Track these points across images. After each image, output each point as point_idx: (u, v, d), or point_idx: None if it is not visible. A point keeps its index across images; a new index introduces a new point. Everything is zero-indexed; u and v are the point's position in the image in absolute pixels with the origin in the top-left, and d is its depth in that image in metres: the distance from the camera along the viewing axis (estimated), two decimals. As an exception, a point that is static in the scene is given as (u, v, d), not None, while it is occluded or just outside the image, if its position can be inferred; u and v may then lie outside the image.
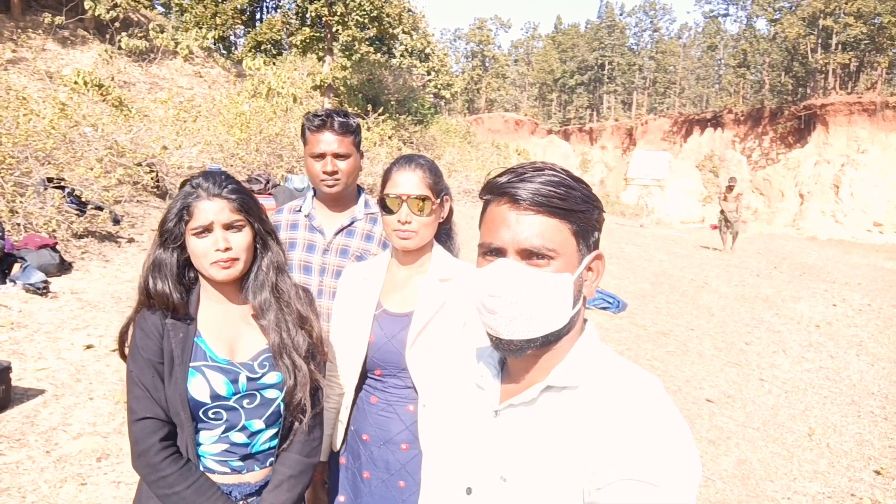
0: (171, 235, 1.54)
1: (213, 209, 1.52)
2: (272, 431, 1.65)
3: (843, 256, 16.56)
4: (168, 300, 1.54)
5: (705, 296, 9.42)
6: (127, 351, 1.58)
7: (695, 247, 15.90)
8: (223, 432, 1.59)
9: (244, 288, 1.63)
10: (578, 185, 1.01)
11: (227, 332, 1.62)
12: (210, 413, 1.56)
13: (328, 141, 2.23)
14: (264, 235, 1.63)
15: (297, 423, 1.65)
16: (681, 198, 44.38)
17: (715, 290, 9.94)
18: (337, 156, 2.24)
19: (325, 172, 2.23)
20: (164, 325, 1.56)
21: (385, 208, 1.81)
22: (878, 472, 4.32)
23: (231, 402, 1.57)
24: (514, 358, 1.05)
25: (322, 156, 2.24)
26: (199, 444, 1.59)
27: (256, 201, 1.64)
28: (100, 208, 7.58)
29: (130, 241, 7.72)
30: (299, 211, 2.39)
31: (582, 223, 1.00)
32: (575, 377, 1.01)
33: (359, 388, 1.91)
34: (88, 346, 4.88)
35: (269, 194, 8.64)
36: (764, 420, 5.07)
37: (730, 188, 15.40)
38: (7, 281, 5.74)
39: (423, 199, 1.78)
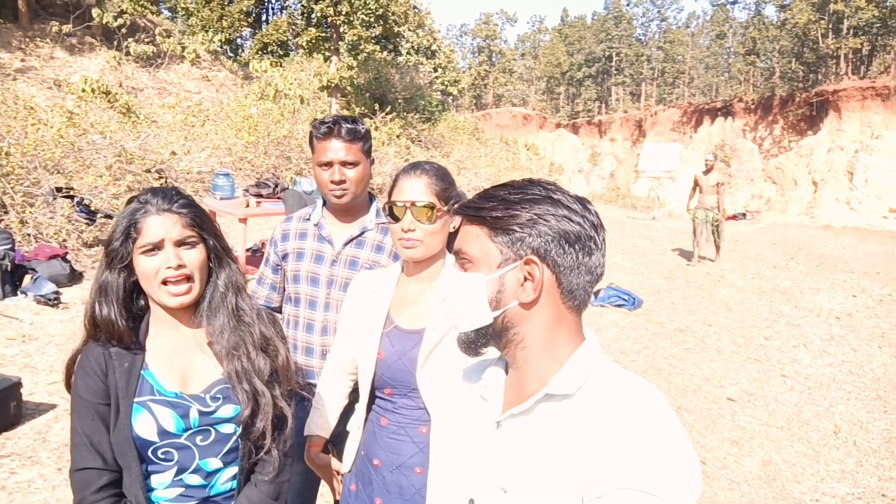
0: (118, 256, 1.40)
1: (163, 225, 1.39)
2: (231, 471, 1.51)
3: (860, 244, 16.29)
4: (113, 327, 1.41)
5: (722, 290, 9.27)
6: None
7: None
8: (176, 475, 1.45)
9: (199, 312, 1.48)
10: (514, 194, 1.05)
11: (179, 361, 1.48)
12: (160, 453, 1.42)
13: (335, 149, 2.14)
14: (220, 252, 1.49)
15: (261, 461, 1.51)
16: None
17: (731, 283, 9.79)
18: (345, 164, 2.14)
19: (332, 182, 2.14)
20: (107, 359, 1.42)
21: (391, 216, 1.73)
22: (908, 471, 4.20)
23: (182, 440, 1.43)
24: (471, 355, 1.13)
25: (329, 164, 2.14)
26: (151, 490, 1.45)
27: (209, 217, 1.52)
28: (110, 216, 7.56)
29: (141, 248, 7.70)
30: (308, 220, 2.31)
31: (500, 228, 1.03)
32: (572, 385, 1.01)
33: (368, 409, 1.83)
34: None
35: (278, 198, 8.59)
36: (787, 418, 4.96)
37: (707, 169, 11.40)
38: (18, 293, 5.73)
39: (429, 206, 1.69)
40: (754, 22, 60.49)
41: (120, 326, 1.41)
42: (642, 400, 0.97)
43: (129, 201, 1.45)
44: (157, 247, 1.39)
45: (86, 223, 7.24)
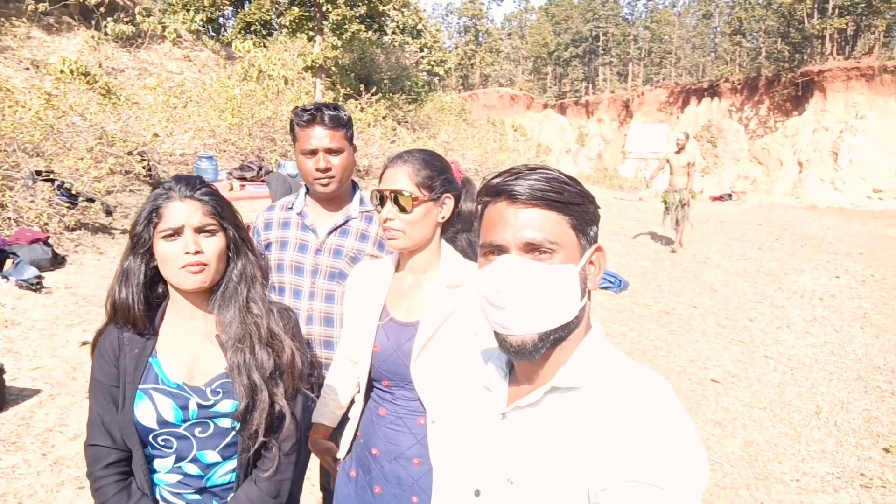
0: (140, 240, 1.44)
1: (184, 211, 1.43)
2: (230, 465, 1.53)
3: (844, 225, 16.45)
4: (129, 312, 1.45)
5: (707, 271, 9.35)
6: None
7: (695, 220, 15.63)
8: (175, 462, 1.49)
9: (212, 300, 1.51)
10: (572, 181, 1.03)
11: (187, 351, 1.51)
12: (160, 440, 1.47)
13: (319, 136, 2.10)
14: (238, 243, 1.51)
15: (262, 458, 1.54)
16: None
17: (716, 265, 9.87)
18: (329, 151, 2.11)
19: (318, 170, 2.11)
20: (121, 343, 1.47)
21: (380, 204, 1.71)
22: (886, 451, 4.28)
23: (181, 430, 1.47)
24: (527, 361, 1.04)
25: (314, 152, 2.11)
26: (154, 472, 1.51)
27: (232, 207, 1.53)
28: (91, 200, 7.46)
29: (124, 231, 7.61)
30: (291, 208, 2.28)
31: (579, 216, 1.02)
32: (580, 378, 1.01)
33: (367, 398, 1.82)
34: (84, 343, 4.80)
35: (262, 181, 8.52)
36: (770, 399, 5.03)
37: (679, 149, 10.63)
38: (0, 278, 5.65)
39: (407, 195, 1.66)
40: (740, 1, 60.34)
41: (136, 311, 1.46)
42: (649, 391, 0.97)
43: (154, 187, 1.50)
44: (177, 232, 1.42)
45: (67, 207, 7.13)
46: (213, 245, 1.46)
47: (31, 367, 4.36)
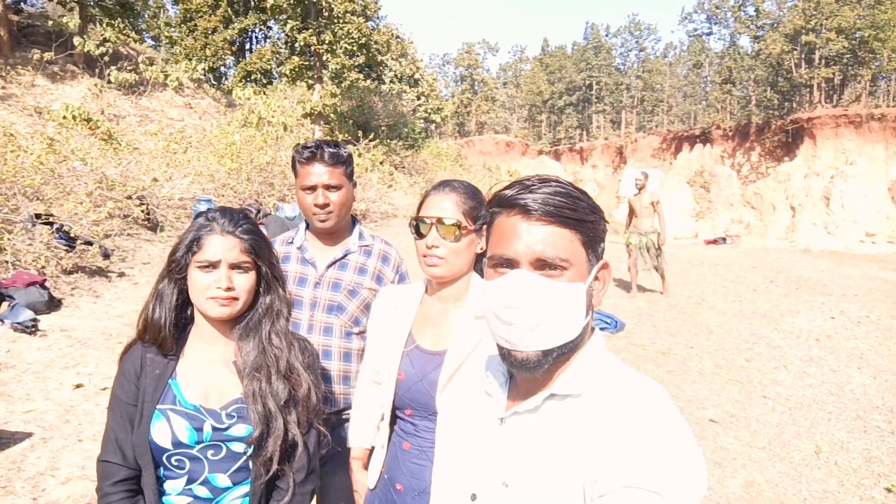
0: (178, 266, 1.51)
1: (223, 246, 1.49)
2: (240, 490, 1.54)
3: (838, 268, 16.54)
4: (160, 332, 1.51)
5: (703, 312, 9.35)
6: None
7: (690, 263, 15.76)
8: (186, 483, 1.51)
9: (235, 329, 1.57)
10: (583, 195, 1.03)
11: (206, 374, 1.55)
12: (173, 460, 1.49)
13: (319, 173, 2.15)
14: (270, 280, 1.57)
15: (276, 489, 1.55)
16: (673, 214, 44.45)
17: (712, 306, 9.88)
18: (328, 187, 2.16)
19: (316, 206, 2.16)
20: (143, 363, 1.51)
21: (417, 232, 1.70)
22: (889, 490, 4.22)
23: (194, 451, 1.49)
24: (530, 375, 1.03)
25: (313, 188, 2.16)
26: (165, 494, 1.53)
27: (269, 244, 1.59)
28: (89, 243, 7.50)
29: (121, 275, 7.63)
30: (291, 243, 2.32)
31: (590, 233, 1.01)
32: (578, 385, 1.01)
33: (391, 427, 1.80)
34: (78, 386, 4.77)
35: (261, 223, 8.59)
36: (769, 439, 4.98)
37: (639, 190, 9.95)
38: (-6, 320, 5.64)
39: (456, 224, 1.65)
40: (730, 52, 62.00)
41: (166, 332, 1.51)
42: (647, 399, 0.96)
43: (196, 216, 1.56)
44: (213, 265, 1.48)
45: (65, 250, 7.16)
46: (245, 281, 1.52)
47: (24, 410, 4.32)
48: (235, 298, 1.50)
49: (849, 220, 37.84)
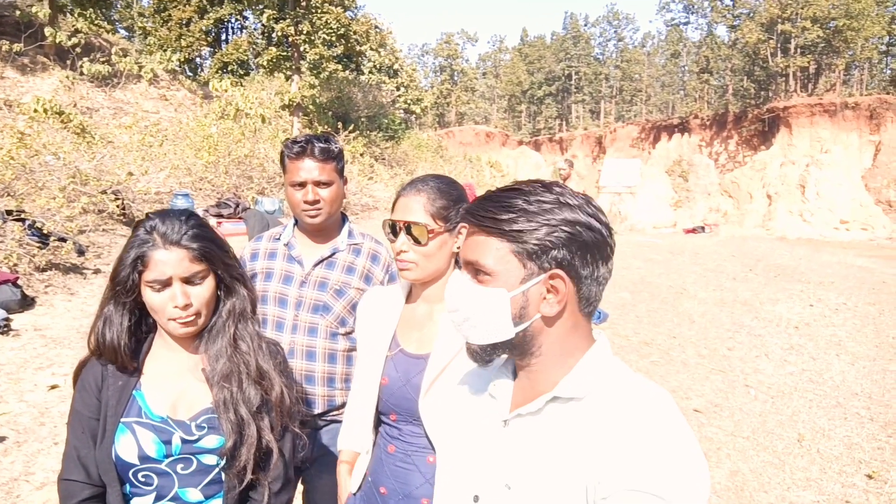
0: (125, 287, 1.37)
1: (171, 261, 1.35)
2: None
3: (814, 255, 16.79)
4: (116, 355, 1.41)
5: (685, 302, 9.43)
6: None
7: (671, 252, 15.87)
8: (155, 500, 1.42)
9: (200, 337, 1.47)
10: (531, 203, 1.00)
11: (173, 385, 1.45)
12: (140, 476, 1.40)
13: (308, 168, 2.07)
14: (229, 282, 1.46)
15: (251, 500, 1.47)
16: (652, 203, 44.91)
17: (693, 295, 9.96)
18: (318, 184, 2.08)
19: (306, 202, 2.08)
20: (104, 375, 1.42)
21: (392, 233, 1.65)
22: (869, 476, 4.28)
23: (163, 466, 1.40)
24: (482, 365, 1.11)
25: (303, 184, 2.08)
26: None
27: (221, 243, 1.47)
28: (63, 239, 7.33)
29: (97, 272, 7.47)
30: (279, 239, 2.24)
31: (523, 242, 0.99)
32: (581, 388, 1.01)
33: (376, 431, 1.75)
34: (53, 387, 4.66)
35: (240, 218, 8.46)
36: (753, 428, 5.02)
37: (564, 179, 9.15)
38: (-35, 320, 5.48)
39: (422, 227, 1.58)
40: (707, 41, 62.44)
41: (122, 354, 1.41)
42: (650, 402, 0.96)
43: (136, 225, 1.42)
44: (164, 284, 1.36)
45: (38, 247, 6.99)
46: (203, 292, 1.41)
47: (-3, 411, 4.21)
48: (197, 314, 1.40)
49: (824, 207, 38.48)
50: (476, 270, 1.04)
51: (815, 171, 39.78)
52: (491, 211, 1.02)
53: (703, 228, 34.73)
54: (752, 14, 56.03)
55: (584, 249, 1.00)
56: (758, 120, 50.07)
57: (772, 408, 5.48)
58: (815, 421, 5.22)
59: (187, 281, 1.38)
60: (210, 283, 1.43)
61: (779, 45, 52.60)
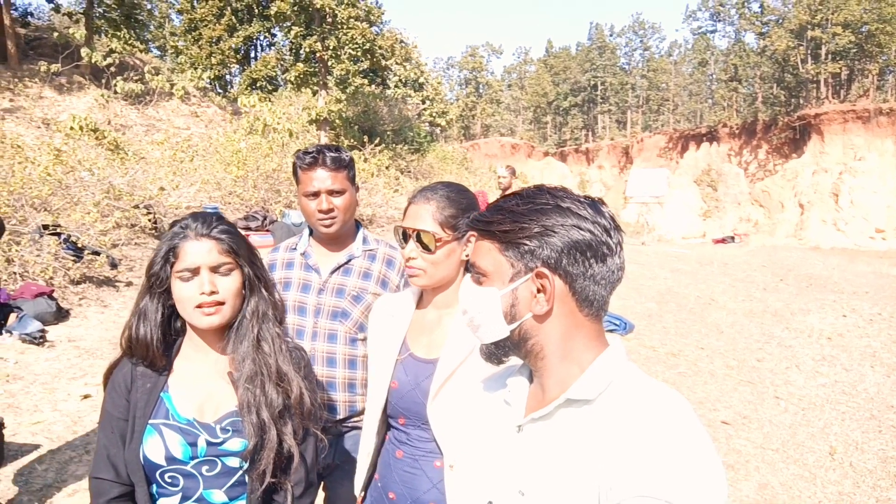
0: (158, 279, 1.45)
1: (200, 250, 1.43)
2: None
3: (848, 265, 16.41)
4: (148, 350, 1.46)
5: (713, 313, 9.28)
6: None
7: (699, 262, 15.65)
8: (181, 501, 1.46)
9: (227, 337, 1.51)
10: (522, 205, 1.04)
11: (200, 387, 1.50)
12: (166, 477, 1.44)
13: (321, 178, 2.13)
14: (253, 281, 1.51)
15: (272, 501, 1.50)
16: (681, 213, 44.36)
17: (722, 306, 9.81)
18: (332, 192, 2.14)
19: (320, 211, 2.13)
20: (133, 377, 1.46)
21: (403, 239, 1.69)
22: (905, 491, 4.16)
23: (188, 468, 1.44)
24: (496, 365, 1.14)
25: (316, 194, 2.13)
26: None
27: (248, 243, 1.53)
28: (97, 253, 7.52)
29: (129, 284, 7.64)
30: (295, 249, 2.30)
31: (509, 242, 1.04)
32: (591, 391, 1.00)
33: (379, 436, 1.77)
34: (86, 396, 4.77)
35: (267, 231, 8.59)
36: (783, 440, 4.92)
37: (504, 189, 8.23)
38: (3, 332, 5.65)
39: (430, 235, 1.61)
40: (735, 49, 61.72)
41: (154, 350, 1.46)
42: (664, 407, 0.95)
43: (171, 226, 1.50)
44: (193, 272, 1.42)
45: (73, 260, 7.18)
46: (230, 284, 1.46)
47: (32, 421, 4.32)
48: (221, 303, 1.44)
49: (858, 216, 37.56)
50: (476, 272, 1.10)
51: (849, 178, 38.89)
52: (486, 215, 1.08)
53: (732, 238, 34.11)
54: (781, 21, 55.24)
55: (574, 248, 1.01)
56: (788, 128, 49.16)
57: (802, 420, 5.36)
58: (848, 433, 5.10)
59: (214, 270, 1.44)
60: (237, 276, 1.48)
61: (809, 52, 51.71)
